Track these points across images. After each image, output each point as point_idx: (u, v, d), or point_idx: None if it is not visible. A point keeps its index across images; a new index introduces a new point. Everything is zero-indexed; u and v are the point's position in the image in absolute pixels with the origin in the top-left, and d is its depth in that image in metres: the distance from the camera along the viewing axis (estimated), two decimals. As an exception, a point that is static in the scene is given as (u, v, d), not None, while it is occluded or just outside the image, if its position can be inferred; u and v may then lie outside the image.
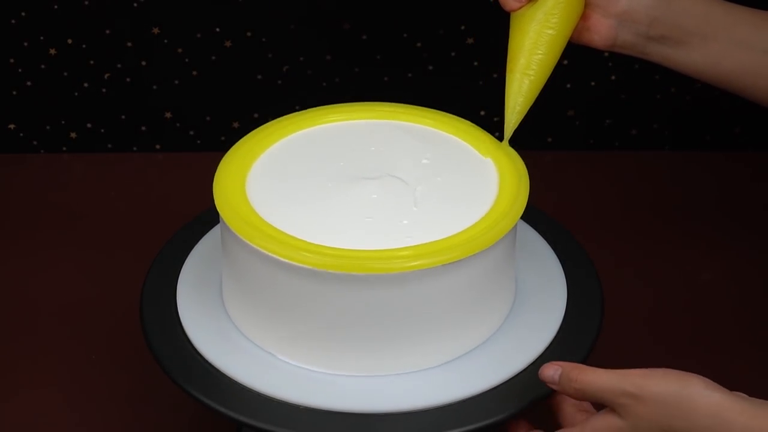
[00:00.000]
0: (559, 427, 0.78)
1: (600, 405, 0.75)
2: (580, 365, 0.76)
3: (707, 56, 0.91)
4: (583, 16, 0.90)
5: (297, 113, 0.92)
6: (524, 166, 0.86)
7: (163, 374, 0.81)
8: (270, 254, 0.77)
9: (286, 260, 0.76)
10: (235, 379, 0.79)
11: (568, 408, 0.78)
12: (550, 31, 0.87)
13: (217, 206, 0.81)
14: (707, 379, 0.72)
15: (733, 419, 0.70)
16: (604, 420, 0.74)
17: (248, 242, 0.78)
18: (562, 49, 0.88)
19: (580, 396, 0.75)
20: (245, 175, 0.84)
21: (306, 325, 0.79)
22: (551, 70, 0.88)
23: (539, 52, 0.87)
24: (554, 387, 0.76)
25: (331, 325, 0.78)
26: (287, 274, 0.77)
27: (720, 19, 0.90)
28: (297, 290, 0.78)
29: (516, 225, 0.82)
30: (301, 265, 0.76)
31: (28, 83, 1.30)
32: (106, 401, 1.00)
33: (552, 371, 0.76)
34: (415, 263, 0.76)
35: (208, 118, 1.33)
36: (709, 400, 0.71)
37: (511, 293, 0.85)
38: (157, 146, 1.35)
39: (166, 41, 1.28)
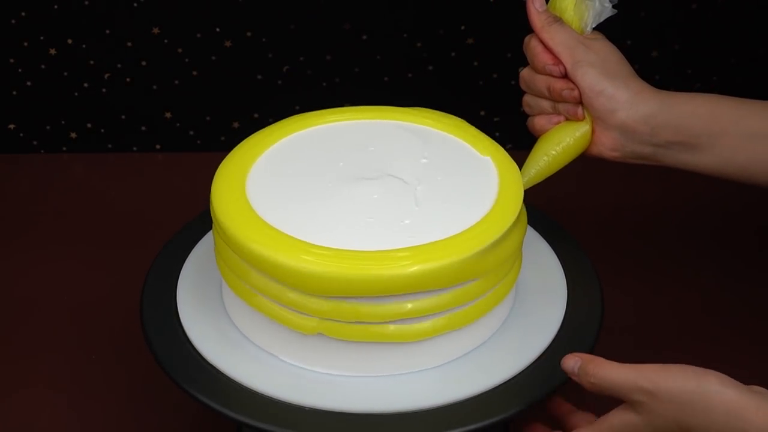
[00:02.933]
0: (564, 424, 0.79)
1: (616, 401, 0.75)
2: (597, 359, 0.75)
3: (719, 154, 0.90)
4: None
5: (296, 116, 0.91)
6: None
7: (164, 374, 0.81)
8: (270, 256, 0.77)
9: (287, 261, 0.76)
10: (235, 379, 0.79)
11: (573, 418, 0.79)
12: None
13: (215, 210, 0.81)
14: (723, 376, 0.72)
15: (749, 417, 0.70)
16: (620, 417, 0.74)
17: (247, 244, 0.78)
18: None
19: (596, 390, 0.75)
20: (245, 176, 0.84)
21: (307, 326, 0.79)
22: (562, 166, 0.93)
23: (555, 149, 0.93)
24: (574, 378, 0.76)
25: (332, 325, 0.78)
26: (287, 276, 0.77)
27: (727, 115, 0.89)
28: (297, 293, 0.78)
29: (524, 228, 0.82)
30: (301, 266, 0.76)
31: (28, 83, 1.30)
32: (106, 401, 1.00)
33: (573, 362, 0.76)
34: (417, 263, 0.76)
35: (208, 118, 1.33)
36: (725, 397, 0.71)
37: (510, 295, 0.85)
38: (157, 146, 1.35)
39: (166, 41, 1.28)
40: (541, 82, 0.93)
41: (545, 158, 0.91)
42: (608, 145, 0.92)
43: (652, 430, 0.73)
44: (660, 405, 0.72)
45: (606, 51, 0.92)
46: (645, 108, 0.90)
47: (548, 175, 0.93)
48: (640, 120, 0.90)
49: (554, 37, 0.92)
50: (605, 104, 0.90)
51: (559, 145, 0.92)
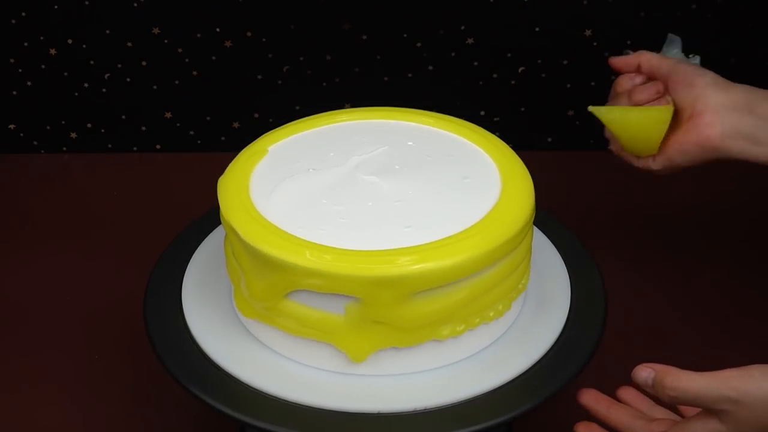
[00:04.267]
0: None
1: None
2: (672, 369, 0.74)
3: None
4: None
5: (303, 119, 0.91)
6: (524, 166, 0.86)
7: (167, 374, 0.81)
8: (272, 255, 0.77)
9: (288, 261, 0.76)
10: (239, 379, 0.79)
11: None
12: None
13: (223, 212, 0.81)
14: None
15: None
16: (705, 426, 0.73)
17: (251, 243, 0.78)
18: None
19: (675, 402, 0.74)
20: (248, 177, 0.84)
21: (309, 326, 0.79)
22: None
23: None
24: (648, 390, 0.75)
25: (333, 326, 0.78)
26: (290, 276, 0.77)
27: None
28: (300, 292, 0.78)
29: (530, 230, 0.83)
30: (303, 266, 0.76)
31: (28, 83, 1.30)
32: (109, 400, 1.00)
33: (645, 374, 0.75)
34: (419, 263, 0.76)
35: (208, 118, 1.33)
36: None
37: (521, 295, 0.85)
38: (157, 146, 1.35)
39: (166, 41, 1.28)
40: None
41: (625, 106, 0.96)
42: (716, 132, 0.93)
43: None
44: (746, 412, 0.71)
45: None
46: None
47: (617, 130, 0.98)
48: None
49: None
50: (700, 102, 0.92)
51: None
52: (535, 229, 0.92)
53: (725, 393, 0.71)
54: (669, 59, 0.97)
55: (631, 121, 0.96)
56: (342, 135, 0.90)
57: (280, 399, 0.78)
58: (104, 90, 1.31)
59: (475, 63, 1.30)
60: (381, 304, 0.76)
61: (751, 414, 0.71)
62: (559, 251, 0.91)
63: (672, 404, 0.75)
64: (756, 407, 0.71)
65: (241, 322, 0.84)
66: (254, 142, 0.89)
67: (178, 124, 1.33)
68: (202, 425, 0.97)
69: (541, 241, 0.92)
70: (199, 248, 0.91)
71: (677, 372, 0.74)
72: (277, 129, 0.90)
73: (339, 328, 0.78)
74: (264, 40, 1.28)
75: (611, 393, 0.84)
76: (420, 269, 0.76)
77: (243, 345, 0.82)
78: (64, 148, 1.34)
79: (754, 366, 0.72)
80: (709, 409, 0.73)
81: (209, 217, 0.92)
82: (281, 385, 0.78)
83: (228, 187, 0.83)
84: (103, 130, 1.34)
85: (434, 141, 0.89)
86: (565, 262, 0.90)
